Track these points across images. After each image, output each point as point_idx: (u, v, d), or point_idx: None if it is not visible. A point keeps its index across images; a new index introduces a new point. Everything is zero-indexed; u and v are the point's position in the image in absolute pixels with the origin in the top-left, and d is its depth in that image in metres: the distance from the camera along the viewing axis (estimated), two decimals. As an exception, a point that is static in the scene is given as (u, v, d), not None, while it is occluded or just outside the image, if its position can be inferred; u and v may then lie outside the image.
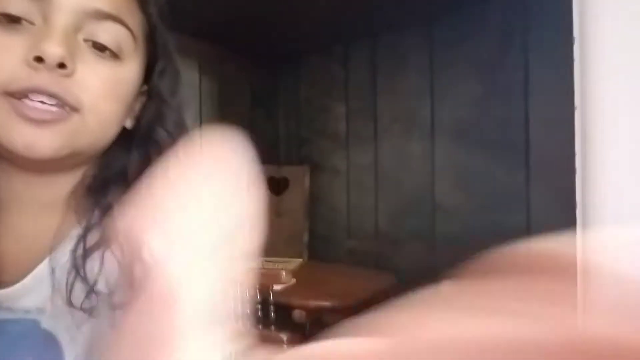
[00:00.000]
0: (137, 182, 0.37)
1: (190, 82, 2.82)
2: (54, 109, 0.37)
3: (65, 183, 0.43)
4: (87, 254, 0.41)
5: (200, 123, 2.88)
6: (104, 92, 0.40)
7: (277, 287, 1.71)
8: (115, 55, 0.41)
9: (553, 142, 2.10)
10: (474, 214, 2.34)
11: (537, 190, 2.14)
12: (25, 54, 0.36)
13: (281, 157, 3.36)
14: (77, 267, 0.40)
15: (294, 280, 1.81)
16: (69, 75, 0.37)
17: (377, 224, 2.77)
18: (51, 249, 0.41)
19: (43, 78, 0.36)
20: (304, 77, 3.23)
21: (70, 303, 0.40)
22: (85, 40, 0.39)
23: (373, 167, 2.80)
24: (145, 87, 0.47)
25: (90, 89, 0.39)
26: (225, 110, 3.05)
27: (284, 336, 1.70)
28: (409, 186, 2.62)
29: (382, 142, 2.76)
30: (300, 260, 2.48)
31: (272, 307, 1.67)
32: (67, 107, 0.38)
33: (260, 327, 1.70)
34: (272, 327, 1.68)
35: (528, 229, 2.15)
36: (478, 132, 2.34)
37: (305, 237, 2.86)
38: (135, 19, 0.43)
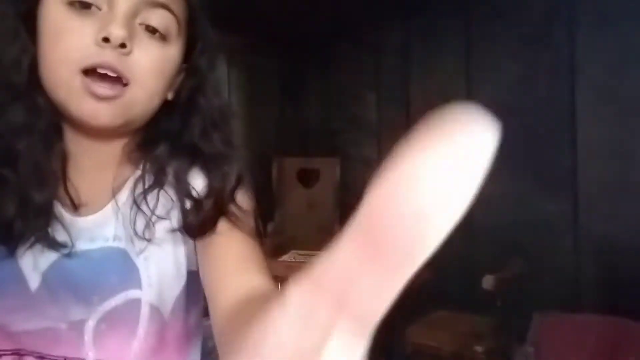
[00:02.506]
0: (179, 141, 0.53)
1: (218, 73, 2.81)
2: (114, 87, 0.45)
3: (118, 145, 0.53)
4: (145, 192, 0.51)
5: (230, 116, 2.87)
6: (153, 69, 0.48)
7: (309, 281, 1.67)
8: (163, 37, 0.49)
9: (602, 123, 1.96)
10: (515, 202, 2.22)
11: (584, 176, 2.00)
12: (95, 35, 0.43)
13: (311, 149, 3.32)
14: (138, 204, 0.51)
15: (327, 274, 1.77)
16: (127, 54, 0.45)
17: (411, 214, 2.68)
18: (114, 191, 0.51)
19: (108, 55, 0.44)
20: (333, 66, 3.16)
21: (135, 232, 0.50)
22: (140, 24, 0.47)
23: (406, 156, 2.71)
24: (184, 65, 0.54)
25: (142, 66, 0.47)
26: (254, 102, 3.02)
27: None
28: (445, 175, 2.52)
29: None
30: (333, 252, 2.44)
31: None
32: (123, 83, 0.46)
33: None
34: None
35: (575, 218, 2.02)
36: (519, 115, 2.20)
37: (338, 229, 2.80)
38: (179, 6, 0.51)
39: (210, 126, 0.55)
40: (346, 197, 2.98)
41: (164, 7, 0.48)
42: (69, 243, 0.47)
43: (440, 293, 2.08)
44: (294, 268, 1.69)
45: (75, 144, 0.50)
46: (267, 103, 3.12)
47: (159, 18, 0.48)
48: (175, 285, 0.53)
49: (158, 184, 0.52)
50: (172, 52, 0.50)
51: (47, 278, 0.46)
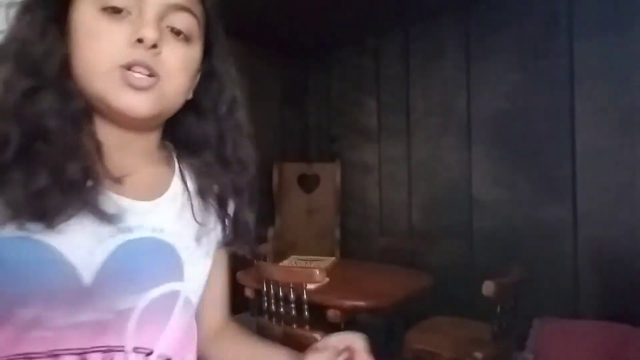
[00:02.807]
0: (218, 150, 0.60)
1: (220, 80, 2.83)
2: (149, 78, 0.49)
3: (147, 139, 0.57)
4: (202, 195, 0.59)
5: (231, 121, 2.88)
6: (180, 66, 0.52)
7: (310, 286, 1.67)
8: (187, 39, 0.53)
9: (600, 132, 1.98)
10: (514, 208, 2.23)
11: (583, 183, 2.01)
12: (128, 37, 0.47)
13: (312, 154, 3.33)
14: (203, 193, 0.59)
15: (327, 279, 1.77)
16: (158, 54, 0.50)
17: (410, 220, 2.69)
18: (161, 186, 0.57)
19: (141, 54, 0.48)
20: (334, 72, 3.18)
21: (194, 218, 0.57)
22: (167, 27, 0.51)
23: (406, 162, 2.72)
24: (202, 66, 0.58)
25: (171, 64, 0.51)
26: (255, 108, 3.03)
27: (318, 336, 1.67)
28: (444, 181, 2.53)
29: (415, 136, 2.68)
30: (334, 258, 2.44)
31: (306, 306, 1.63)
32: (156, 77, 0.50)
33: (295, 326, 1.67)
34: (307, 327, 1.64)
35: (574, 224, 2.03)
36: (519, 123, 2.22)
37: (337, 234, 2.82)
38: (200, 8, 0.55)
39: (235, 138, 0.62)
40: (346, 202, 2.99)
41: (188, 10, 0.53)
42: (119, 219, 0.49)
43: (440, 299, 2.09)
44: (295, 273, 1.70)
45: (105, 135, 0.52)
46: (268, 109, 3.13)
47: (183, 21, 0.52)
48: (202, 284, 0.59)
49: (207, 191, 0.59)
50: (195, 51, 0.55)
51: (104, 271, 0.47)
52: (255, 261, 2.08)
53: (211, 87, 0.61)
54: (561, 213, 2.07)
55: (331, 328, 1.71)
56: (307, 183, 2.99)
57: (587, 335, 1.51)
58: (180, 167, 0.60)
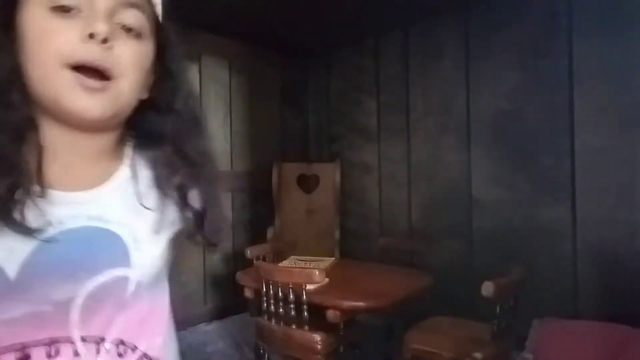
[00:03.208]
0: (161, 137, 0.59)
1: (220, 80, 2.83)
2: (102, 80, 0.49)
3: (101, 140, 0.56)
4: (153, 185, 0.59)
5: (230, 120, 2.88)
6: (133, 62, 0.53)
7: (310, 287, 1.67)
8: (138, 35, 0.54)
9: (600, 132, 1.98)
10: (513, 208, 2.23)
11: (583, 183, 2.01)
12: (80, 33, 0.47)
13: (311, 154, 3.33)
14: (160, 182, 0.59)
15: (327, 280, 1.77)
16: (110, 48, 0.50)
17: (410, 220, 2.69)
18: (102, 178, 0.56)
19: (94, 52, 0.48)
20: (334, 72, 3.18)
21: (142, 205, 0.57)
22: (117, 23, 0.51)
23: (405, 162, 2.72)
24: (156, 66, 0.59)
25: (123, 60, 0.52)
26: (255, 108, 3.04)
27: (317, 336, 1.67)
28: (444, 180, 2.53)
29: (414, 136, 2.68)
30: (333, 258, 2.44)
31: (305, 307, 1.63)
32: (109, 76, 0.50)
33: (294, 326, 1.67)
34: (306, 327, 1.64)
35: (574, 224, 2.03)
36: (518, 123, 2.22)
37: (337, 235, 2.82)
38: (148, 7, 0.56)
39: (193, 132, 0.62)
40: (346, 202, 2.99)
41: (137, 7, 0.54)
42: (45, 227, 0.48)
43: (440, 299, 2.08)
44: (294, 274, 1.70)
45: (55, 137, 0.52)
46: (267, 109, 3.13)
47: (133, 17, 0.53)
48: (158, 269, 0.60)
49: (165, 181, 0.60)
50: (147, 48, 0.56)
51: (28, 265, 0.47)
52: (254, 262, 2.08)
53: (166, 86, 0.61)
54: (560, 213, 2.07)
55: (331, 328, 1.71)
56: (307, 183, 2.99)
57: (587, 335, 1.51)
58: (134, 158, 0.61)
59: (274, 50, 3.12)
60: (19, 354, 0.45)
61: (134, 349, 0.54)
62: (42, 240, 0.47)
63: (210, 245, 0.65)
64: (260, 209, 2.96)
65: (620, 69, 1.90)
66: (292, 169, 2.94)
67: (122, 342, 0.53)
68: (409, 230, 2.69)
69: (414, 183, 2.68)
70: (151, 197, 0.59)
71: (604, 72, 1.95)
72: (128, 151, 0.61)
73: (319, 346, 1.66)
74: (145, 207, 0.58)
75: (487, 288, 1.43)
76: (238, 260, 2.78)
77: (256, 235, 2.84)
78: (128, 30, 0.53)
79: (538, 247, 2.13)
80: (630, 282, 1.85)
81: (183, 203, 0.61)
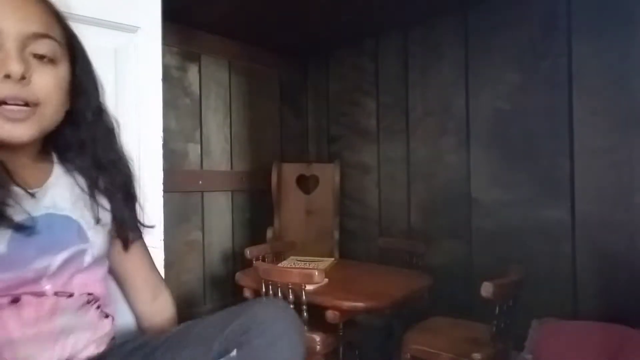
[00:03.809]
0: (81, 143, 0.72)
1: (220, 80, 2.83)
2: (24, 109, 0.58)
3: (34, 147, 0.68)
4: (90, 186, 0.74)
5: (230, 120, 2.88)
6: (51, 88, 0.61)
7: (309, 287, 1.67)
8: (52, 61, 0.61)
9: (599, 132, 1.98)
10: (512, 209, 2.23)
11: (582, 184, 2.01)
12: None
13: (311, 155, 3.33)
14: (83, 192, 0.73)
15: (326, 280, 1.77)
16: (28, 84, 0.57)
17: (409, 220, 2.69)
18: (48, 174, 0.70)
19: (12, 89, 0.56)
20: (333, 72, 3.18)
21: (82, 190, 0.73)
22: (30, 54, 0.58)
23: (405, 162, 2.72)
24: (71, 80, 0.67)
25: (43, 88, 0.60)
26: (254, 108, 3.04)
27: (317, 337, 1.67)
28: (443, 181, 2.54)
29: (414, 137, 2.68)
30: (333, 259, 2.44)
31: (304, 307, 1.63)
32: (31, 104, 0.58)
33: (293, 327, 1.66)
34: (305, 328, 1.64)
35: (573, 225, 2.03)
36: (518, 123, 2.22)
37: (336, 235, 2.82)
38: (58, 31, 0.63)
39: (106, 142, 0.73)
40: (345, 203, 2.99)
41: (46, 36, 0.60)
42: (18, 215, 0.61)
43: (439, 299, 2.09)
44: (294, 274, 1.70)
45: (2, 151, 0.62)
46: (267, 109, 3.13)
47: (44, 46, 0.59)
48: (104, 245, 0.74)
49: (79, 186, 0.73)
50: (63, 70, 0.63)
51: (12, 243, 0.60)
52: (254, 262, 2.08)
53: (79, 99, 0.69)
54: (560, 213, 2.07)
55: (330, 329, 1.71)
56: (306, 184, 2.99)
57: (586, 336, 1.51)
58: (60, 160, 0.73)
59: (274, 50, 3.12)
60: (9, 298, 0.60)
61: (92, 301, 0.71)
62: (19, 225, 0.60)
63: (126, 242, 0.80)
64: (259, 209, 2.96)
65: (619, 70, 1.90)
66: (292, 170, 2.94)
67: (89, 294, 0.70)
68: (409, 230, 2.69)
69: (413, 183, 2.68)
70: (87, 184, 0.73)
71: (603, 73, 1.95)
72: (53, 152, 0.73)
73: (318, 346, 1.66)
74: (85, 193, 0.72)
75: (486, 288, 1.43)
76: (237, 261, 2.78)
77: (255, 235, 2.84)
78: (41, 58, 0.59)
79: (537, 247, 2.13)
80: (629, 283, 1.85)
81: (102, 206, 0.73)
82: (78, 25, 0.71)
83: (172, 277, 2.40)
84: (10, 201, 0.60)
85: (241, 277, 2.01)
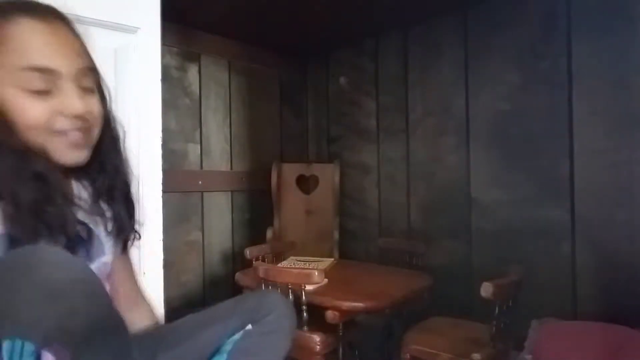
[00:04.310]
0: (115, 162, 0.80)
1: (220, 80, 2.83)
2: (82, 135, 0.67)
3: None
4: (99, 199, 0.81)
5: (230, 120, 2.88)
6: (97, 114, 0.70)
7: (309, 287, 1.67)
8: (93, 90, 0.70)
9: (599, 133, 1.98)
10: (512, 209, 2.23)
11: (582, 184, 2.01)
12: (59, 109, 0.64)
13: (310, 155, 3.33)
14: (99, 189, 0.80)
15: (326, 280, 1.77)
16: (85, 115, 0.67)
17: (409, 220, 2.69)
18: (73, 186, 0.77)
19: (75, 122, 0.66)
20: (333, 72, 3.18)
21: (98, 205, 0.79)
22: (79, 86, 0.66)
23: (405, 162, 2.72)
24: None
25: (93, 114, 0.69)
26: (254, 108, 3.04)
27: (316, 337, 1.67)
28: (443, 181, 2.54)
29: (414, 137, 2.68)
30: (332, 259, 2.44)
31: (304, 307, 1.63)
32: (87, 132, 0.69)
33: (293, 327, 1.67)
34: (305, 328, 1.64)
35: (573, 225, 2.03)
36: (517, 124, 2.22)
37: (336, 235, 2.82)
38: (93, 62, 0.72)
39: (110, 144, 0.79)
40: (345, 203, 2.99)
41: (92, 69, 0.69)
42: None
43: (439, 299, 2.09)
44: (294, 274, 1.70)
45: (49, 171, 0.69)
46: (267, 109, 3.13)
47: (91, 79, 0.69)
48: (113, 255, 0.82)
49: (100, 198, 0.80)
50: (99, 98, 0.73)
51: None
52: (254, 262, 2.08)
53: (107, 122, 0.77)
54: (560, 214, 2.07)
55: (330, 329, 1.71)
56: (306, 184, 2.99)
57: (586, 336, 1.51)
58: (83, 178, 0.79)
59: (274, 50, 3.12)
60: None
61: None
62: (76, 235, 0.68)
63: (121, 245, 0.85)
64: (259, 209, 2.96)
65: (619, 70, 1.90)
66: (292, 170, 2.94)
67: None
68: (408, 230, 2.69)
69: (413, 183, 2.68)
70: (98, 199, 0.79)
71: (603, 73, 1.95)
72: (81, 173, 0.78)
73: (318, 347, 1.66)
74: (101, 207, 0.78)
75: (486, 288, 1.43)
76: (237, 261, 2.78)
77: (255, 235, 2.84)
78: (86, 88, 0.68)
79: (537, 247, 2.13)
80: (629, 283, 1.85)
81: (105, 214, 0.79)
82: (78, 26, 0.71)
83: (172, 277, 2.40)
84: (73, 215, 0.67)
85: (241, 277, 2.01)
